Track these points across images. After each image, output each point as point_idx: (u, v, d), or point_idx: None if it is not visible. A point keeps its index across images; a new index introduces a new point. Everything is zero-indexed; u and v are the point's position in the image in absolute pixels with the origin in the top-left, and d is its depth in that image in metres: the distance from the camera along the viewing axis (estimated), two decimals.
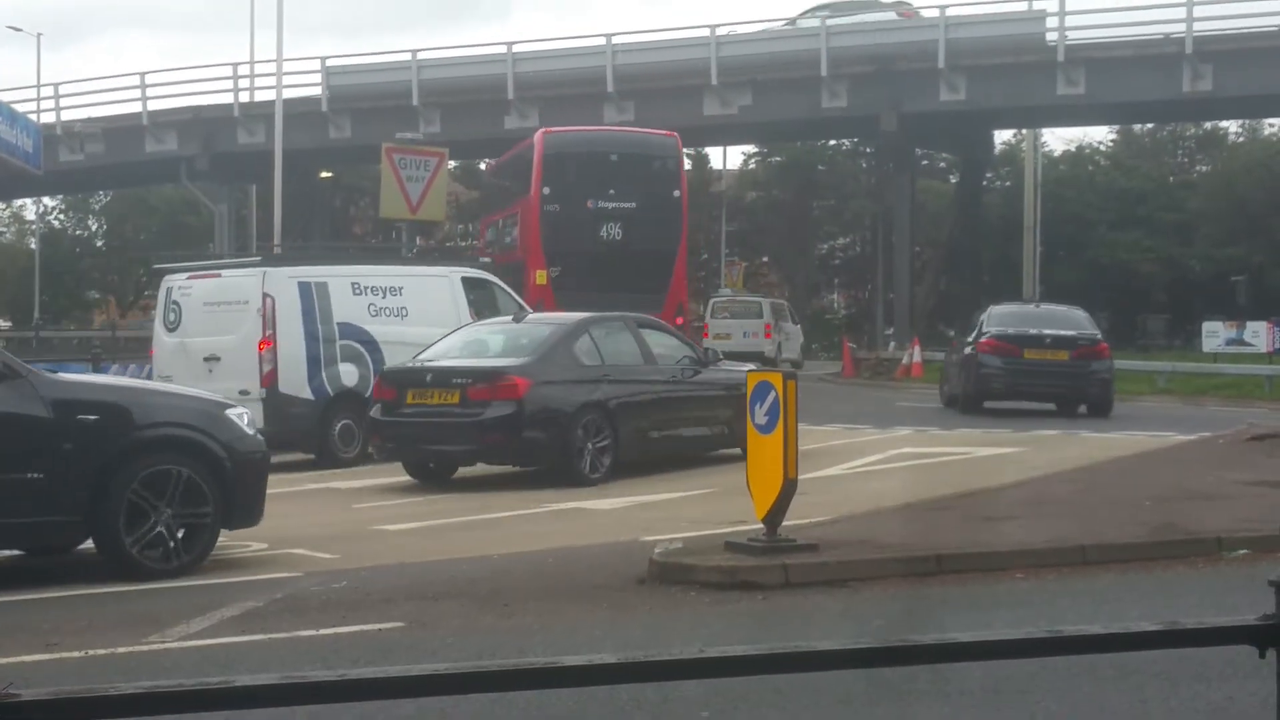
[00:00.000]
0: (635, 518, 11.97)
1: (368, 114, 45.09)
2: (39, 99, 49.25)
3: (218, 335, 17.72)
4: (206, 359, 17.64)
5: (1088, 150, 63.94)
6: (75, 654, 7.24)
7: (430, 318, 17.85)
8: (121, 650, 7.36)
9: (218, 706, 2.15)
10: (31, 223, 69.00)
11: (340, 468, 16.94)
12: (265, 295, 17.42)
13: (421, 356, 15.69)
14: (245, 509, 10.14)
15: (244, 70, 48.23)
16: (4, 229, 72.34)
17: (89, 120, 49.70)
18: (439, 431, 14.56)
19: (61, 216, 71.47)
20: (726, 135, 50.24)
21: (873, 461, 16.22)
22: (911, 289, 45.22)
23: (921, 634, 7.45)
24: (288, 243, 31.80)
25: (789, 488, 9.30)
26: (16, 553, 10.47)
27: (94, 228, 72.39)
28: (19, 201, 68.14)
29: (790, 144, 59.33)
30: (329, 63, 47.07)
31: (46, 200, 67.47)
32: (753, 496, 9.53)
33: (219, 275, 18.57)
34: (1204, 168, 63.94)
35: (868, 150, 60.04)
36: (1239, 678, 5.97)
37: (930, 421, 20.92)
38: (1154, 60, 38.27)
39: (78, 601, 8.98)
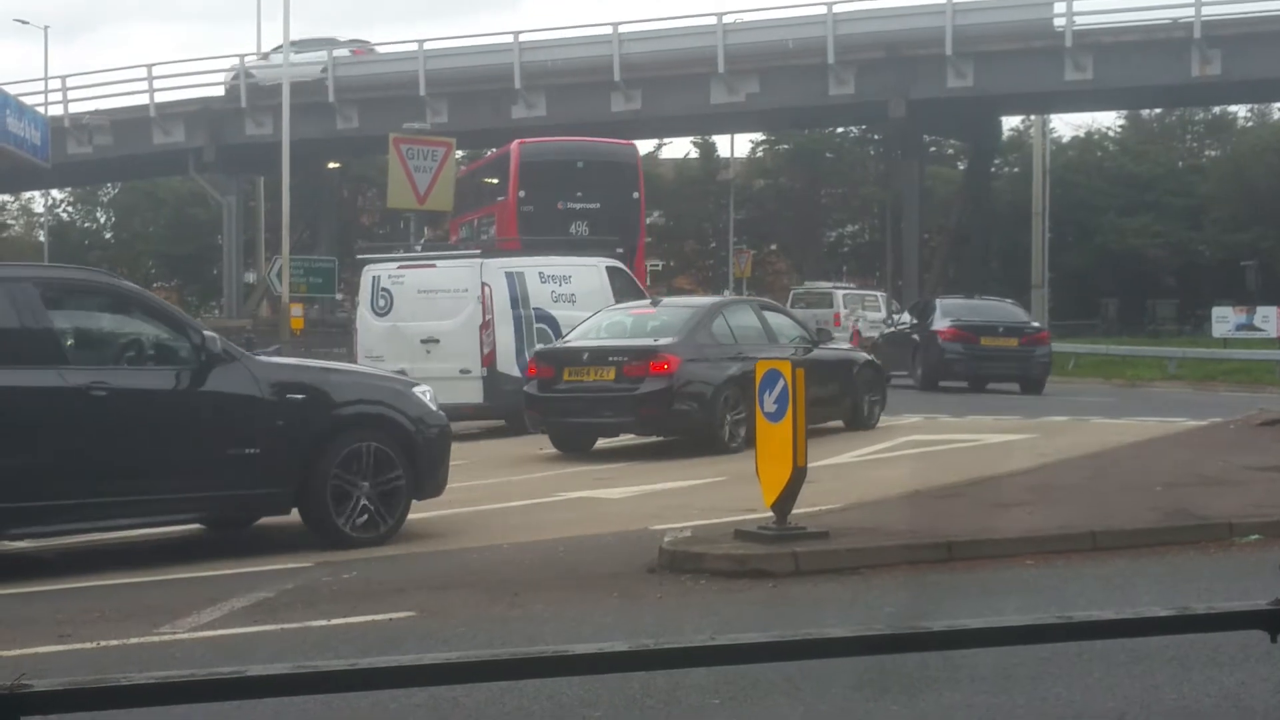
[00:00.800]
0: (645, 506, 11.97)
1: (375, 104, 45.09)
2: (46, 91, 49.32)
3: (436, 320, 19.63)
4: (424, 341, 19.50)
5: (1096, 136, 63.78)
6: (87, 645, 7.26)
7: (590, 302, 19.54)
8: (133, 641, 7.38)
9: (230, 696, 2.15)
10: (40, 215, 69.12)
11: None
12: (484, 284, 19.43)
13: (570, 338, 17.46)
14: (432, 480, 10.88)
15: (251, 61, 48.24)
16: (12, 221, 72.44)
17: (96, 113, 49.76)
18: (595, 405, 15.98)
19: (70, 209, 71.57)
20: (734, 123, 50.18)
21: (882, 449, 16.20)
22: (920, 276, 45.19)
23: (932, 621, 7.46)
24: (296, 235, 33.05)
25: (798, 476, 9.29)
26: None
27: (102, 220, 72.49)
28: (27, 194, 68.24)
29: (798, 131, 59.23)
30: (336, 53, 47.06)
31: (55, 193, 67.59)
32: (762, 484, 9.53)
33: (434, 266, 20.42)
34: (1213, 152, 63.75)
35: (876, 137, 59.95)
36: (1251, 663, 5.97)
37: (940, 408, 20.91)
38: (1162, 45, 38.17)
39: (90, 592, 9.00)
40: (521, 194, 30.78)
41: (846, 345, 19.83)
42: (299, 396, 10.26)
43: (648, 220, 64.48)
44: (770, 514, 9.47)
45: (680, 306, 18.06)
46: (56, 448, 9.47)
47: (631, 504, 12.13)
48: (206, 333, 10.18)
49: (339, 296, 45.54)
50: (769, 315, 18.05)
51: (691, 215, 63.06)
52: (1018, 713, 5.79)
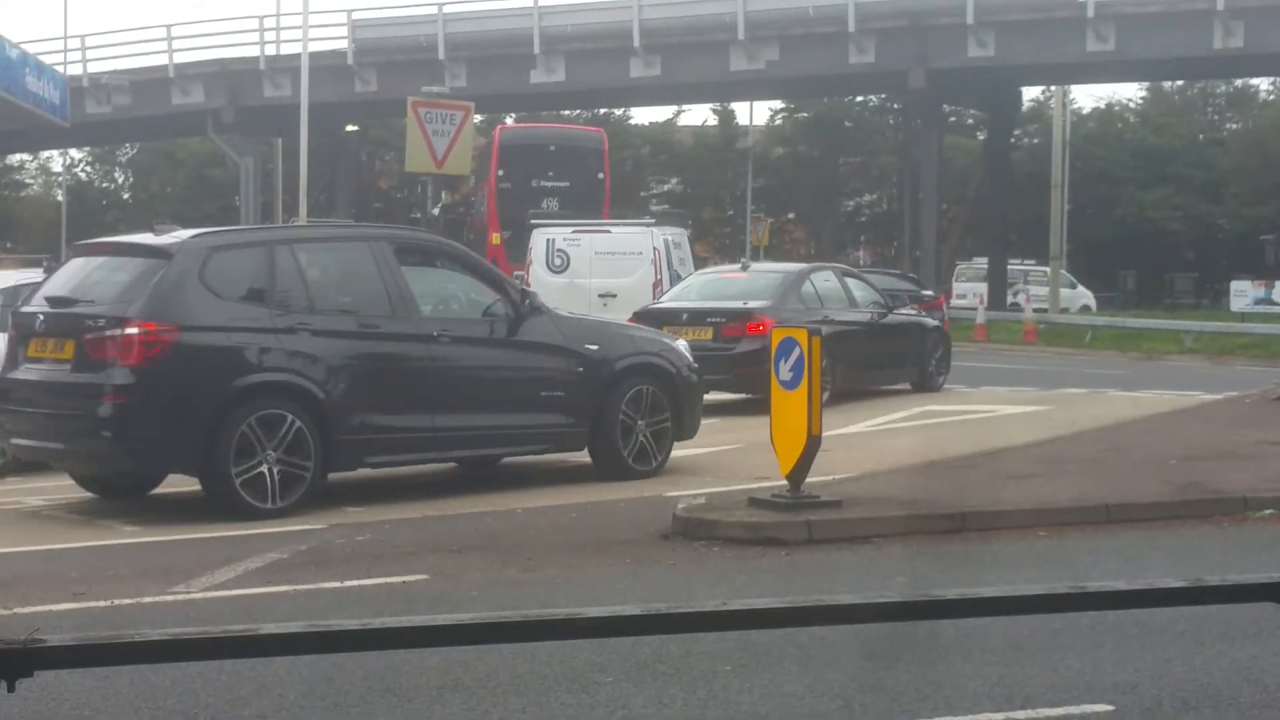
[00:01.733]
0: (659, 473, 11.98)
1: (394, 67, 44.94)
2: (65, 50, 49.22)
3: (612, 278, 22.32)
4: (601, 295, 21.92)
5: (1117, 107, 63.41)
6: (101, 603, 7.30)
7: (688, 268, 22.82)
8: (147, 600, 7.42)
9: (242, 654, 2.15)
10: (58, 175, 69.20)
11: None
12: (654, 248, 22.53)
13: (665, 299, 18.96)
14: (691, 422, 12.48)
15: (270, 23, 48.14)
16: (31, 181, 72.51)
17: (115, 73, 49.67)
18: None
19: (88, 169, 71.61)
20: (753, 90, 49.92)
21: (897, 419, 16.19)
22: (938, 246, 45.01)
23: (944, 590, 7.46)
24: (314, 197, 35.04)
25: (813, 444, 9.29)
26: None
27: (120, 180, 72.50)
28: (46, 153, 68.29)
29: (817, 100, 58.94)
30: (355, 15, 46.92)
31: (73, 152, 67.60)
32: (776, 452, 9.53)
33: (609, 231, 23.90)
34: (1234, 126, 63.33)
35: (895, 106, 59.64)
36: (1263, 636, 5.97)
37: (955, 379, 20.86)
38: (1185, 16, 37.86)
39: (104, 552, 9.05)
40: (500, 173, 35.09)
41: (915, 312, 21.51)
42: (593, 346, 11.85)
43: (665, 187, 64.54)
44: (784, 482, 9.47)
45: (769, 272, 19.69)
46: (410, 387, 10.92)
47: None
48: (522, 289, 12.07)
49: None
50: (849, 281, 19.54)
51: (709, 183, 62.87)
52: (1029, 683, 5.80)
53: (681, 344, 12.96)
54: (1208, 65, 43.68)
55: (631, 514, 10.07)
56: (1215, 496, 10.10)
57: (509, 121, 51.45)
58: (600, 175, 35.42)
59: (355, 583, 7.79)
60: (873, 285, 20.44)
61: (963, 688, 5.82)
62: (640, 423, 11.88)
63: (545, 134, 38.03)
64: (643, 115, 64.88)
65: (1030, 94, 55.43)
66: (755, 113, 62.57)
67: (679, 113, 62.89)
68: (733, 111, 61.90)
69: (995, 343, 35.03)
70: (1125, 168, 56.81)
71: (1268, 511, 9.73)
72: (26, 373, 10.53)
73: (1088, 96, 63.73)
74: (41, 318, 10.53)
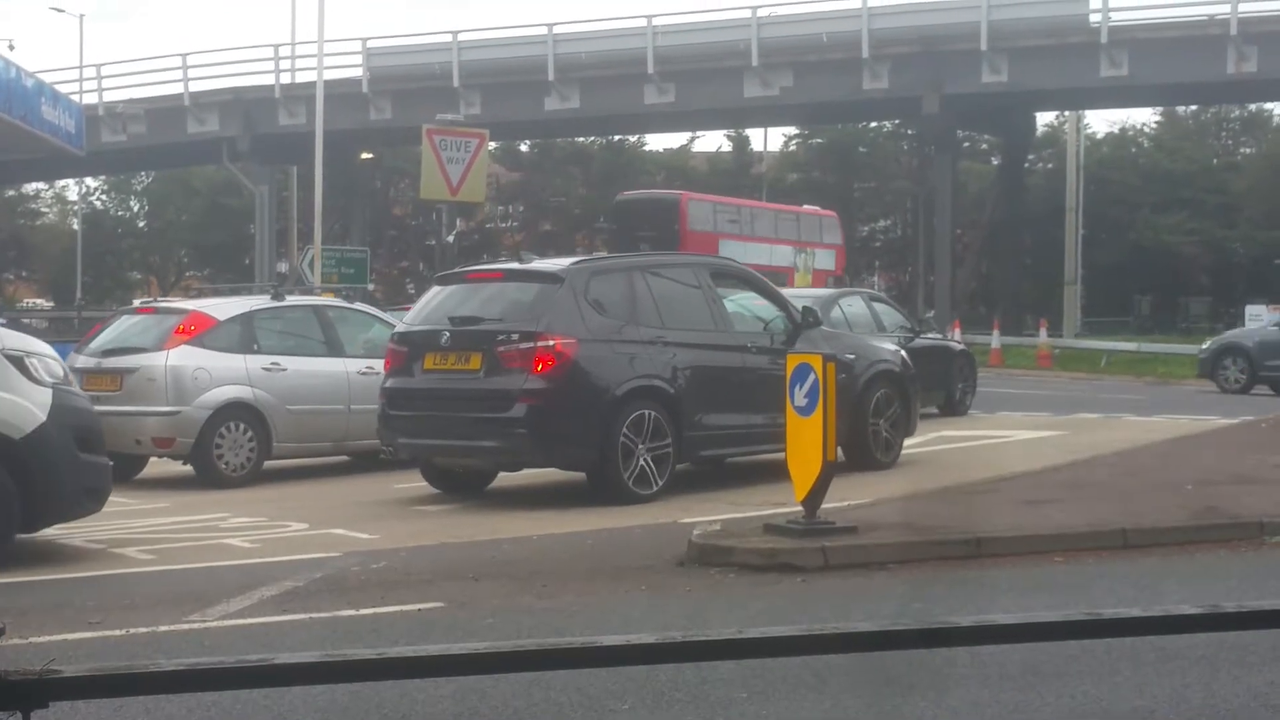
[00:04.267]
0: (674, 499, 11.97)
1: (408, 95, 45.15)
2: (81, 79, 49.57)
3: None
4: None
5: (1131, 132, 63.48)
6: (117, 632, 7.30)
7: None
8: (163, 629, 7.41)
9: (258, 684, 2.16)
10: (74, 203, 69.49)
11: None
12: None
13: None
14: (915, 420, 14.45)
15: (285, 51, 48.41)
16: (47, 209, 72.87)
17: (131, 101, 49.98)
18: None
19: (104, 197, 71.93)
20: (767, 116, 50.08)
21: (912, 445, 16.15)
22: (953, 271, 45.00)
23: (960, 617, 7.43)
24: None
25: (828, 470, 9.28)
26: None
27: (136, 208, 72.82)
28: (61, 182, 68.62)
29: (831, 125, 59.07)
30: (370, 44, 47.18)
31: (89, 181, 67.93)
32: (793, 479, 9.51)
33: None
34: (1248, 150, 63.33)
35: (909, 132, 59.72)
36: (1279, 662, 5.94)
37: (970, 404, 20.85)
38: (1198, 42, 37.91)
39: (120, 580, 9.06)
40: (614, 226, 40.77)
41: (941, 336, 21.83)
42: (851, 356, 13.55)
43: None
44: (799, 508, 9.45)
45: (802, 297, 20.03)
46: (733, 390, 12.73)
47: (660, 496, 12.10)
48: (799, 306, 13.63)
49: (370, 286, 45.66)
50: (877, 306, 20.34)
51: None
52: (1045, 710, 5.77)
53: (900, 352, 14.66)
54: (1221, 90, 43.73)
55: (647, 540, 10.05)
56: (1231, 521, 10.06)
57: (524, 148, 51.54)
58: (676, 227, 40.50)
59: (371, 610, 7.78)
60: (901, 310, 20.90)
61: (979, 714, 5.79)
62: (882, 422, 13.82)
63: (638, 196, 44.47)
64: (657, 141, 65.16)
65: (1044, 119, 55.58)
66: (769, 139, 62.74)
67: (693, 139, 63.09)
68: (747, 137, 62.06)
69: (1010, 368, 35.00)
70: (1139, 192, 56.80)
71: None
72: (427, 381, 12.18)
73: (1102, 121, 63.90)
74: (447, 335, 12.11)
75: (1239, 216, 56.37)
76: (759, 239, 43.58)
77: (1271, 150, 57.76)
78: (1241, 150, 64.10)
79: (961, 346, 21.82)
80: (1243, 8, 37.32)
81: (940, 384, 19.78)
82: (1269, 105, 60.95)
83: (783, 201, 62.46)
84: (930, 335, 21.25)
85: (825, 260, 45.79)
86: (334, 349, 15.17)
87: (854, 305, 19.63)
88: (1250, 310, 37.58)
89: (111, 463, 10.34)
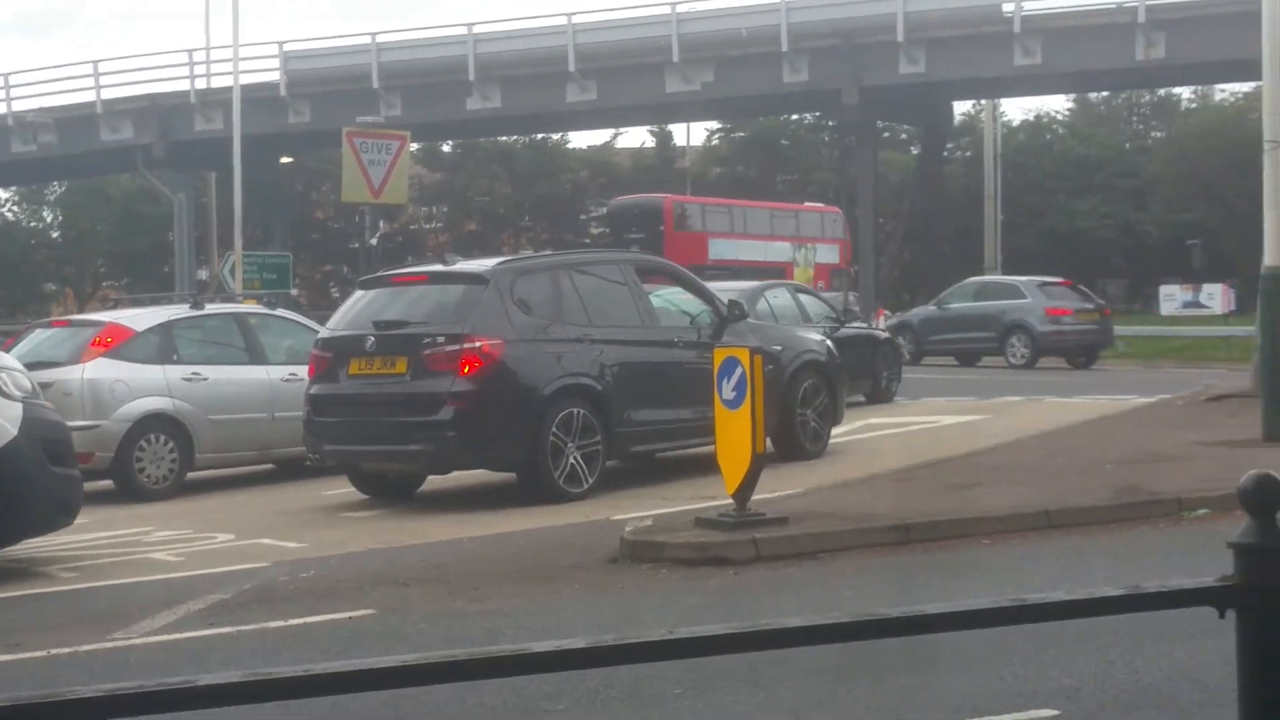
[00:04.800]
0: (605, 496, 11.97)
1: (328, 98, 44.82)
2: None
3: None
4: None
5: (1046, 119, 64.15)
6: (38, 653, 7.16)
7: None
8: (86, 649, 7.28)
9: (181, 707, 2.13)
10: None
11: None
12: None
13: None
14: (843, 408, 14.65)
15: (200, 56, 47.91)
16: None
17: (41, 110, 49.24)
18: None
19: (15, 208, 70.77)
20: (689, 112, 50.19)
21: (840, 433, 16.25)
22: (876, 260, 45.33)
23: (892, 604, 7.49)
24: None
25: (758, 462, 9.32)
26: None
27: (49, 219, 71.69)
28: None
29: (753, 119, 59.27)
30: (287, 47, 46.79)
31: (0, 192, 66.84)
32: (722, 471, 9.55)
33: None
34: (1158, 134, 64.27)
35: (830, 124, 60.05)
36: (1201, 637, 6.02)
37: (896, 391, 21.00)
38: (1108, 29, 38.42)
39: (41, 600, 8.93)
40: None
41: (866, 325, 21.97)
42: (778, 347, 13.60)
43: (604, 210, 64.71)
44: (730, 501, 9.49)
45: (728, 291, 20.27)
46: (660, 385, 12.74)
47: (592, 494, 12.08)
48: (725, 300, 13.63)
49: (294, 291, 45.29)
50: (802, 297, 20.61)
51: None
52: (975, 692, 5.84)
53: (827, 343, 14.78)
54: (1131, 76, 44.33)
55: (579, 539, 10.05)
56: (1151, 499, 10.22)
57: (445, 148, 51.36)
58: (661, 228, 43.74)
59: (300, 621, 7.71)
60: (827, 302, 21.13)
61: (911, 699, 5.85)
62: (810, 412, 13.93)
63: (627, 201, 48.14)
64: (580, 139, 65.04)
65: (961, 108, 56.05)
66: (692, 133, 62.85)
67: (616, 135, 63.09)
68: (670, 133, 62.16)
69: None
70: (1055, 178, 57.49)
71: (1202, 511, 9.86)
72: (353, 387, 12.09)
73: (1017, 109, 64.67)
74: (372, 339, 12.01)
75: (1151, 199, 57.18)
76: (752, 237, 44.91)
77: (1180, 134, 58.61)
78: (1152, 135, 65.02)
79: (886, 335, 21.99)
80: None
81: (866, 372, 19.94)
82: (1177, 90, 61.96)
83: (708, 194, 62.70)
84: (855, 324, 21.42)
85: (828, 254, 47.87)
86: (256, 357, 15.03)
87: (780, 297, 19.85)
88: (1164, 290, 38.14)
89: (82, 475, 10.25)
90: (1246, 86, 53.34)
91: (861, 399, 19.60)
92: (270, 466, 15.19)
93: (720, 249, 45.81)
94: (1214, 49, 36.67)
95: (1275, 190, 13.44)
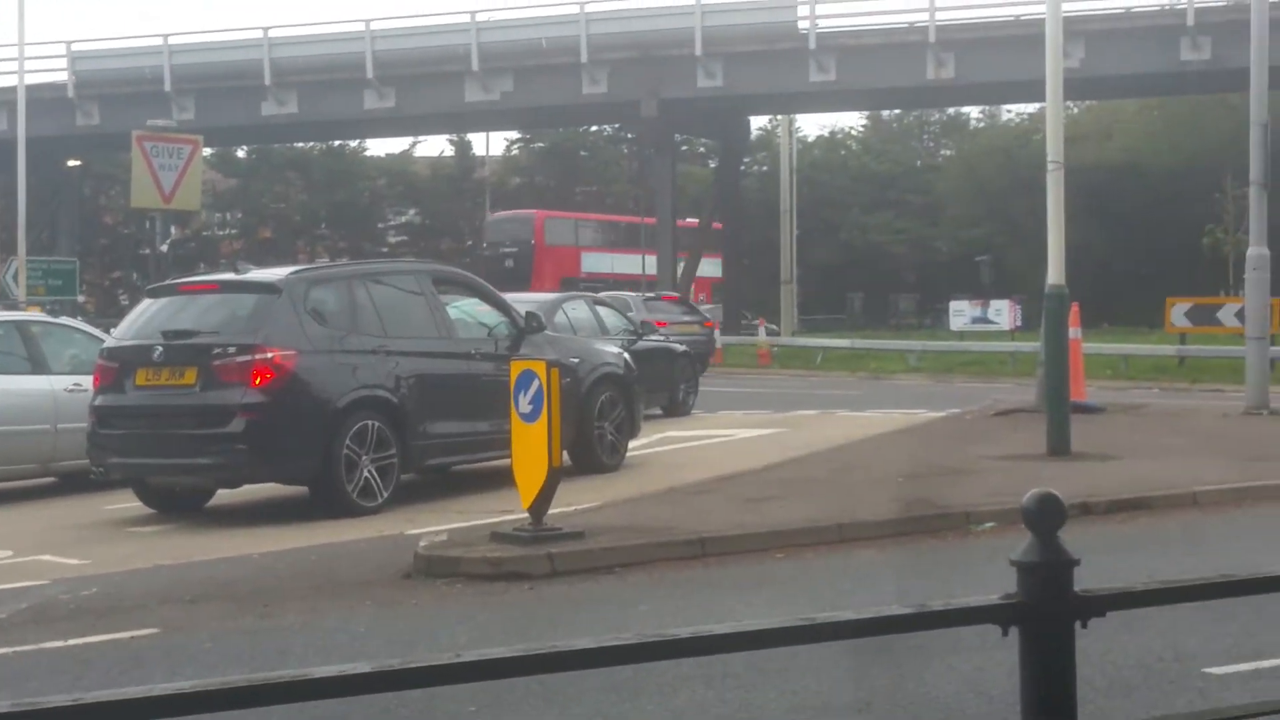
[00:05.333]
0: (400, 510, 11.82)
1: (118, 100, 43.57)
2: None
3: None
4: None
5: (840, 135, 65.61)
6: None
7: None
8: None
9: None
10: None
11: None
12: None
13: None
14: (639, 421, 14.64)
15: None
16: None
17: None
18: None
19: None
20: (489, 121, 50.04)
21: (635, 446, 16.33)
22: (674, 273, 45.70)
23: (687, 619, 7.53)
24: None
25: (554, 476, 9.30)
26: None
27: None
28: None
29: (553, 130, 59.37)
30: (75, 47, 45.35)
31: None
32: (518, 486, 9.50)
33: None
34: (948, 151, 66.21)
35: (629, 135, 60.47)
36: (987, 649, 6.18)
37: (695, 404, 21.20)
38: (900, 49, 39.43)
39: None
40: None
41: (663, 338, 22.01)
42: (575, 360, 13.63)
43: (403, 218, 64.14)
44: (526, 515, 9.45)
45: (533, 303, 20.72)
46: (457, 397, 12.64)
47: (386, 507, 11.92)
48: (523, 312, 13.63)
49: (80, 298, 43.87)
50: (601, 310, 20.57)
51: (447, 214, 62.74)
52: (769, 706, 5.90)
53: (624, 354, 14.93)
54: (922, 95, 45.55)
55: (373, 554, 9.90)
56: (940, 512, 10.48)
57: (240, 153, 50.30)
58: (533, 241, 46.82)
59: (80, 641, 7.44)
60: (626, 315, 21.47)
61: (705, 713, 5.88)
62: (608, 425, 13.98)
63: (502, 216, 51.45)
64: (379, 146, 64.32)
65: (758, 123, 56.94)
66: (492, 143, 62.71)
67: (415, 144, 62.57)
68: (469, 142, 61.88)
69: (731, 366, 35.71)
70: (849, 193, 58.85)
71: (988, 525, 10.14)
72: (140, 398, 11.76)
73: (813, 125, 65.94)
74: (160, 349, 11.69)
75: (942, 215, 58.85)
76: (628, 250, 45.29)
77: (970, 152, 60.47)
78: (943, 152, 66.98)
79: (683, 348, 22.08)
80: (940, 16, 38.98)
81: (663, 385, 20.07)
82: (966, 109, 63.93)
83: (508, 204, 62.60)
84: (653, 337, 21.52)
85: (710, 268, 48.50)
86: (38, 366, 14.49)
87: (578, 309, 19.91)
88: (954, 306, 39.25)
89: None
90: (1031, 107, 55.37)
91: (659, 412, 19.73)
92: (52, 480, 14.66)
93: (594, 262, 46.67)
94: (1001, 70, 37.91)
95: (1057, 209, 13.92)
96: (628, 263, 46.09)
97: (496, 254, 46.23)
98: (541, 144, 62.38)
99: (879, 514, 10.44)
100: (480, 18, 42.39)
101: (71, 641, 7.44)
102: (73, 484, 14.43)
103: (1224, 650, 6.57)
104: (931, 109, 62.72)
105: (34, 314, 17.64)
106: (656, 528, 9.94)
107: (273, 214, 63.41)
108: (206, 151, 36.65)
